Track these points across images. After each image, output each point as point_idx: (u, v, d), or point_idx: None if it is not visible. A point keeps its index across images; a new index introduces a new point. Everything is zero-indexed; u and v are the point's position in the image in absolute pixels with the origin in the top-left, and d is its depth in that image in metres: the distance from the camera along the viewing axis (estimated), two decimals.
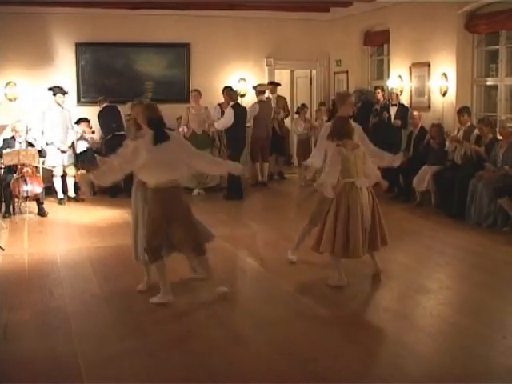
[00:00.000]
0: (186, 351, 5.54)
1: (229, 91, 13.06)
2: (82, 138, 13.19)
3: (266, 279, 7.72)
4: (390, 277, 7.62)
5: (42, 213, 11.41)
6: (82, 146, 13.42)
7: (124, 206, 11.77)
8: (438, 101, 12.58)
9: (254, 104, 14.33)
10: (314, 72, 17.14)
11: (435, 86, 12.60)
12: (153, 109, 6.78)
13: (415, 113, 12.58)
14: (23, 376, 5.11)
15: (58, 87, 13.02)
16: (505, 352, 5.49)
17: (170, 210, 6.65)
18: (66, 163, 12.63)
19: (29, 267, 8.15)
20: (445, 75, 12.29)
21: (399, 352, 5.47)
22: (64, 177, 12.80)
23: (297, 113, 14.91)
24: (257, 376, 5.06)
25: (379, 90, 13.82)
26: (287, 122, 15.99)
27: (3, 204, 11.42)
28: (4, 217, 11.14)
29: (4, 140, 11.85)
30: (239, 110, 12.88)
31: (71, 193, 12.90)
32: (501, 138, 10.47)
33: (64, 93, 12.99)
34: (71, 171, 12.78)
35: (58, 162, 12.56)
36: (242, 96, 15.51)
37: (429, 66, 12.76)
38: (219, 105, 13.78)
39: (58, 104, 12.83)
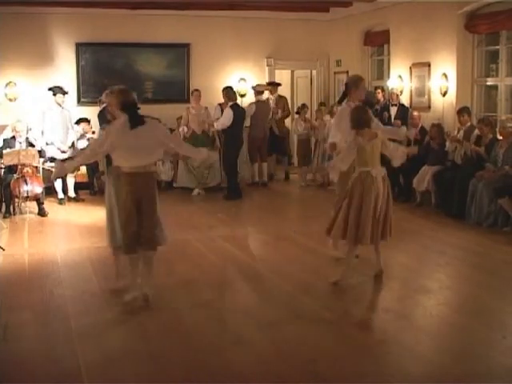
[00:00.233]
0: (186, 351, 5.54)
1: (228, 91, 13.05)
2: (82, 137, 13.20)
3: (266, 279, 7.72)
4: (390, 277, 7.61)
5: (42, 213, 11.41)
6: (82, 146, 13.42)
7: None
8: (438, 101, 12.58)
9: (250, 104, 14.35)
10: (314, 72, 17.14)
11: (435, 86, 12.60)
12: (126, 93, 6.70)
13: (415, 113, 12.58)
14: (23, 376, 5.11)
15: (58, 87, 13.03)
16: (505, 352, 5.48)
17: (141, 197, 6.56)
18: None
19: (29, 267, 8.15)
20: (445, 75, 12.29)
21: (399, 352, 5.47)
22: (64, 177, 12.78)
23: (297, 113, 14.89)
24: (256, 376, 5.05)
25: (379, 90, 13.81)
26: (288, 121, 15.99)
27: (3, 204, 11.43)
28: (4, 217, 11.14)
29: (4, 140, 11.86)
30: (238, 111, 12.88)
31: (71, 193, 12.90)
32: (501, 138, 10.47)
33: (64, 93, 13.00)
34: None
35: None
36: (243, 96, 15.52)
37: (429, 66, 12.76)
38: (219, 105, 13.78)
39: (58, 104, 12.85)
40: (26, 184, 11.20)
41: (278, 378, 5.02)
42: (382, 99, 13.60)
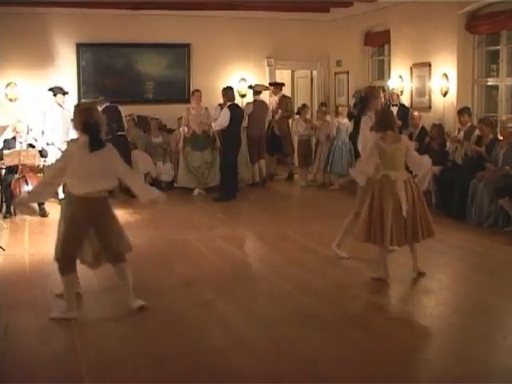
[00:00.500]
0: (186, 351, 5.54)
1: (226, 92, 13.02)
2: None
3: (266, 279, 7.72)
4: (391, 277, 7.60)
5: (42, 213, 11.40)
6: None
7: (124, 207, 11.81)
8: (438, 101, 12.58)
9: (248, 103, 14.39)
10: (314, 72, 17.15)
11: (436, 86, 12.60)
12: (90, 112, 6.42)
13: (416, 113, 12.58)
14: (23, 376, 5.11)
15: (59, 87, 13.03)
16: (505, 352, 5.48)
17: (95, 219, 6.30)
18: None
19: (29, 267, 8.15)
20: (445, 75, 12.29)
21: (399, 352, 5.47)
22: None
23: (297, 113, 14.87)
24: (256, 376, 5.05)
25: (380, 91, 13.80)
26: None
27: (4, 204, 11.44)
28: (5, 217, 11.15)
29: (5, 140, 11.86)
30: (236, 111, 12.85)
31: None
32: (501, 138, 10.47)
33: (64, 93, 13.00)
34: None
35: None
36: (243, 96, 15.53)
37: (429, 66, 12.76)
38: (220, 105, 13.76)
39: (59, 104, 12.85)
40: (27, 184, 11.20)
41: (277, 378, 5.02)
42: (382, 100, 13.58)
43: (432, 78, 12.74)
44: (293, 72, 18.21)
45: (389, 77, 14.24)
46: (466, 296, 7.17)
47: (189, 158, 13.38)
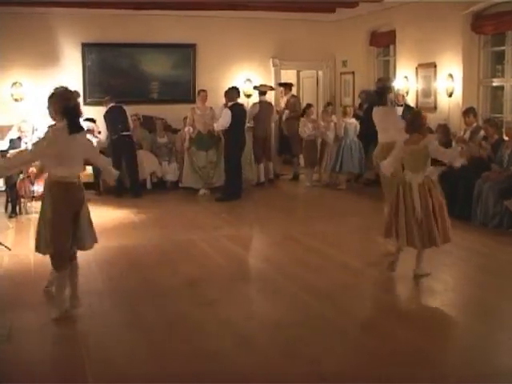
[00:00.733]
0: (190, 352, 5.53)
1: (227, 92, 13.02)
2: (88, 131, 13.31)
3: (271, 280, 7.70)
4: (396, 277, 7.60)
5: None
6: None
7: (129, 206, 11.87)
8: (444, 101, 12.56)
9: (254, 104, 14.42)
10: (320, 72, 17.15)
11: (441, 86, 12.59)
12: (69, 96, 6.47)
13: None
14: (28, 376, 5.11)
15: (64, 88, 13.03)
16: (510, 353, 5.48)
17: (74, 207, 6.30)
18: None
19: (34, 267, 8.15)
20: (451, 76, 12.28)
21: (404, 353, 5.46)
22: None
23: (302, 113, 14.81)
24: (260, 377, 5.05)
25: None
26: None
27: (9, 204, 11.45)
28: (10, 217, 11.18)
29: (10, 140, 11.89)
30: (238, 111, 12.83)
31: None
32: (507, 138, 10.45)
33: None
34: None
35: None
36: (248, 96, 15.54)
37: (435, 66, 12.75)
38: (225, 105, 13.77)
39: None
40: (32, 184, 11.23)
41: (282, 379, 5.02)
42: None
43: (437, 79, 12.72)
44: (298, 72, 18.23)
45: (394, 77, 14.22)
46: (470, 297, 7.16)
47: (194, 158, 13.38)
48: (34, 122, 12.21)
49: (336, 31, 16.25)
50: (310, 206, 12.74)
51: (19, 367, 5.29)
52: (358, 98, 15.01)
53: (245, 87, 15.52)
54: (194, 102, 14.60)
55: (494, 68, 12.23)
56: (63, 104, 6.37)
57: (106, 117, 13.41)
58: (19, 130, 11.81)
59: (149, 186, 13.91)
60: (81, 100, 14.30)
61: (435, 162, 7.98)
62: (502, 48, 11.82)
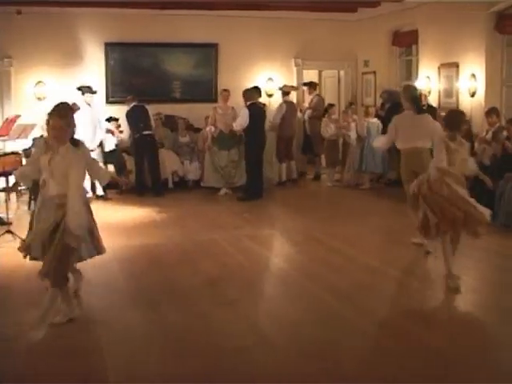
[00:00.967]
0: (211, 350, 5.55)
1: (245, 92, 13.04)
2: (108, 131, 13.41)
3: (292, 279, 7.71)
4: (417, 278, 7.59)
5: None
6: (110, 145, 13.56)
7: (151, 205, 11.92)
8: (466, 102, 12.50)
9: (281, 104, 14.46)
10: (341, 72, 17.13)
11: (464, 86, 12.53)
12: (67, 113, 6.23)
13: (443, 114, 12.49)
14: (48, 375, 5.13)
15: (87, 87, 13.14)
16: None
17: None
18: None
19: None
20: (473, 76, 12.22)
21: (425, 356, 5.43)
22: None
23: (324, 114, 14.78)
24: (280, 377, 5.07)
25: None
26: None
27: (32, 202, 11.52)
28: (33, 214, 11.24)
29: (33, 139, 11.96)
30: (256, 110, 12.84)
31: (100, 191, 12.98)
32: None
33: (92, 92, 13.11)
34: None
35: None
36: (270, 96, 15.56)
37: (457, 66, 12.69)
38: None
39: (87, 103, 12.94)
40: None
41: (302, 378, 5.03)
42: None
43: (460, 79, 12.67)
44: (320, 72, 18.20)
45: (416, 77, 14.17)
46: (491, 299, 7.12)
47: (216, 158, 13.40)
48: None
49: (358, 31, 16.21)
50: (331, 206, 12.72)
51: (38, 366, 5.32)
52: (380, 98, 14.96)
53: (267, 87, 15.54)
54: (215, 101, 14.63)
55: None
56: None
57: (129, 116, 13.47)
58: (42, 128, 11.87)
59: (170, 185, 13.95)
60: (103, 99, 14.46)
61: None
62: None
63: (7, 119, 12.07)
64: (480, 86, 12.15)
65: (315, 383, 4.98)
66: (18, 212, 11.41)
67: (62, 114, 6.08)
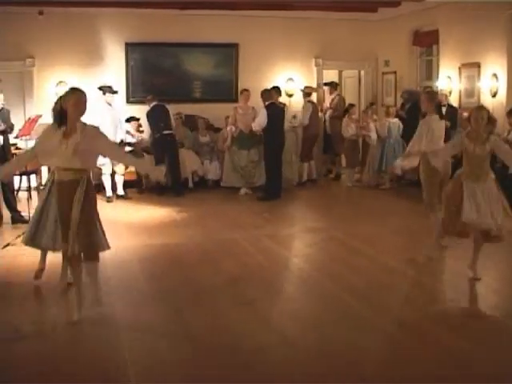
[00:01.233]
0: (231, 351, 5.56)
1: (264, 92, 13.05)
2: (127, 132, 13.47)
3: (312, 279, 7.71)
4: (437, 279, 7.57)
5: None
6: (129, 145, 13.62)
7: (171, 205, 11.96)
8: (487, 102, 12.40)
9: (306, 104, 14.49)
10: (362, 72, 17.10)
11: (485, 86, 12.47)
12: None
13: (465, 114, 12.44)
14: (69, 376, 5.15)
15: (108, 86, 13.20)
16: None
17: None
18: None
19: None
20: (495, 76, 12.16)
21: (445, 354, 5.43)
22: (113, 175, 12.97)
23: (344, 114, 14.76)
24: (300, 377, 5.07)
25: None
26: None
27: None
28: None
29: None
30: (275, 110, 12.86)
31: (120, 191, 13.05)
32: None
33: (113, 92, 13.16)
34: (120, 169, 12.94)
35: (106, 160, 12.68)
36: (290, 96, 15.57)
37: (479, 66, 12.63)
38: None
39: (108, 103, 13.00)
40: None
41: (320, 378, 5.03)
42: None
43: (481, 79, 12.61)
44: (340, 72, 18.18)
45: (437, 77, 14.13)
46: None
47: (235, 157, 13.42)
48: None
49: (378, 31, 16.17)
50: (350, 206, 12.70)
51: (60, 365, 5.34)
52: (401, 98, 14.92)
53: (287, 87, 15.55)
54: (235, 101, 14.64)
55: None
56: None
57: (149, 115, 13.52)
58: None
59: (190, 184, 13.98)
60: (123, 99, 14.53)
61: None
62: None
63: (29, 119, 12.12)
64: (502, 85, 12.09)
65: (335, 383, 4.98)
66: None
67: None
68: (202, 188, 13.96)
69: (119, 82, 14.43)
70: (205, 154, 14.26)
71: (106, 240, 6.47)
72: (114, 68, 14.66)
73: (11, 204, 10.44)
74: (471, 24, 12.65)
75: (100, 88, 13.12)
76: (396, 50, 15.67)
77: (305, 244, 9.58)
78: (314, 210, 12.11)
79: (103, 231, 6.46)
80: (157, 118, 13.39)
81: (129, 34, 14.66)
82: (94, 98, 13.07)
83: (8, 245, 8.76)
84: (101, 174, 12.81)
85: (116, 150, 6.78)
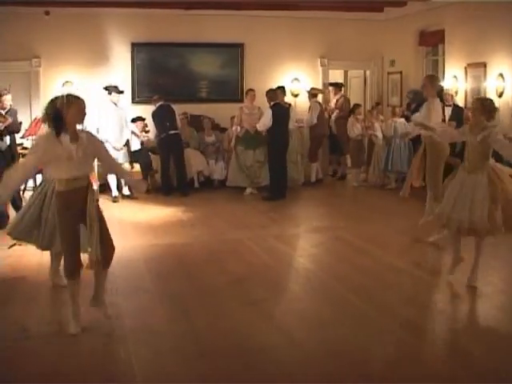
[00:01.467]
0: (237, 351, 5.58)
1: (268, 92, 13.05)
2: (133, 133, 13.48)
3: (318, 279, 7.72)
4: (445, 279, 7.56)
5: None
6: (136, 145, 13.62)
7: (177, 205, 11.97)
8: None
9: (313, 104, 14.45)
10: (367, 72, 17.10)
11: (491, 86, 12.45)
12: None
13: (470, 113, 12.43)
14: (75, 375, 5.17)
15: (114, 86, 13.20)
16: None
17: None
18: (120, 161, 12.77)
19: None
20: (501, 76, 12.14)
21: (451, 356, 5.44)
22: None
23: (350, 114, 14.76)
24: (306, 377, 5.07)
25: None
26: None
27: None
28: None
29: None
30: (279, 110, 12.87)
31: (125, 190, 13.06)
32: None
33: (119, 92, 13.16)
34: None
35: None
36: (296, 96, 15.57)
37: (485, 66, 12.61)
38: None
39: (114, 103, 13.01)
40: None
41: (327, 378, 5.04)
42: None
43: (487, 79, 12.59)
44: (346, 72, 18.18)
45: (443, 77, 14.11)
46: None
47: (241, 157, 13.42)
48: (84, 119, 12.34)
49: (384, 30, 16.16)
50: (356, 206, 12.69)
51: (64, 366, 5.35)
52: (406, 98, 14.90)
53: (292, 87, 15.56)
54: (241, 101, 14.65)
55: None
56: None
57: (155, 115, 13.52)
58: None
59: (196, 184, 14.00)
60: (129, 99, 14.56)
61: None
62: None
63: (35, 119, 12.16)
64: (508, 85, 12.07)
65: (341, 383, 4.99)
66: None
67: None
68: (208, 188, 13.96)
69: (125, 82, 14.44)
70: (210, 153, 14.26)
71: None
72: (119, 68, 14.68)
73: (17, 204, 10.45)
74: (477, 24, 12.63)
75: (106, 88, 13.13)
76: (402, 49, 15.66)
77: (310, 244, 9.58)
78: (320, 209, 12.10)
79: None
80: (162, 117, 13.39)
81: (135, 34, 14.68)
82: (99, 98, 13.17)
83: (14, 244, 8.72)
84: (106, 174, 12.82)
85: (110, 155, 6.69)
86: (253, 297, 6.96)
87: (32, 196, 7.18)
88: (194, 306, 6.66)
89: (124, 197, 12.96)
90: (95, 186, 11.24)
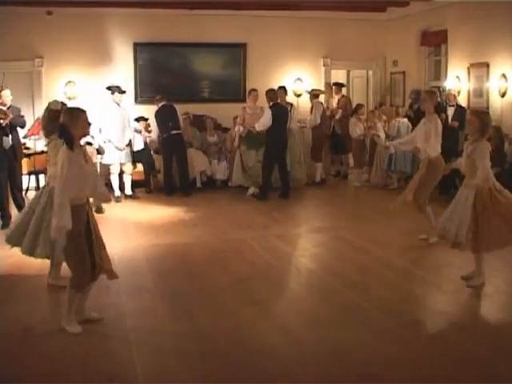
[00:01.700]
0: (239, 351, 5.58)
1: (268, 92, 13.04)
2: (136, 130, 13.49)
3: (320, 279, 7.72)
4: (446, 280, 7.56)
5: (98, 210, 11.52)
6: (139, 145, 13.62)
7: (179, 205, 11.97)
8: (496, 102, 12.42)
9: (316, 104, 14.44)
10: (370, 72, 17.09)
11: (494, 86, 12.44)
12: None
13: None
14: (78, 375, 5.17)
15: (116, 86, 13.20)
16: None
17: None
18: (123, 161, 12.80)
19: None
20: (504, 76, 12.13)
21: (453, 357, 5.42)
22: (121, 174, 12.98)
23: (352, 113, 14.75)
24: (308, 377, 5.07)
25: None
26: None
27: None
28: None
29: None
30: (278, 111, 12.86)
31: (128, 191, 13.06)
32: None
33: (122, 92, 13.16)
34: (128, 169, 12.95)
35: (115, 159, 12.74)
36: (298, 96, 15.57)
37: (487, 66, 12.61)
38: None
39: (116, 103, 13.01)
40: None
41: (330, 378, 5.04)
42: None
43: (490, 79, 12.58)
44: (348, 72, 18.17)
45: (445, 77, 14.11)
46: None
47: (244, 157, 13.42)
48: None
49: (386, 30, 16.16)
50: (359, 206, 12.67)
51: (67, 365, 5.35)
52: (409, 98, 14.90)
53: (295, 87, 15.56)
54: (243, 101, 14.65)
55: None
56: None
57: (157, 115, 13.52)
58: None
59: (198, 184, 14.00)
60: (132, 99, 14.58)
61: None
62: None
63: (38, 119, 12.17)
64: (511, 86, 12.06)
65: (344, 383, 4.98)
66: None
67: None
68: (210, 188, 13.97)
69: (127, 82, 14.45)
70: (213, 153, 14.26)
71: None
72: (122, 68, 14.69)
73: (19, 203, 10.47)
74: (480, 24, 12.62)
75: (108, 88, 13.13)
76: (404, 49, 15.66)
77: (313, 244, 9.58)
78: (322, 209, 12.10)
79: None
80: (165, 117, 13.39)
81: (137, 34, 14.70)
82: (102, 98, 13.19)
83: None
84: (109, 174, 12.84)
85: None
86: (255, 296, 6.97)
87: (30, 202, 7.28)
88: (196, 306, 6.67)
89: (126, 197, 12.96)
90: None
